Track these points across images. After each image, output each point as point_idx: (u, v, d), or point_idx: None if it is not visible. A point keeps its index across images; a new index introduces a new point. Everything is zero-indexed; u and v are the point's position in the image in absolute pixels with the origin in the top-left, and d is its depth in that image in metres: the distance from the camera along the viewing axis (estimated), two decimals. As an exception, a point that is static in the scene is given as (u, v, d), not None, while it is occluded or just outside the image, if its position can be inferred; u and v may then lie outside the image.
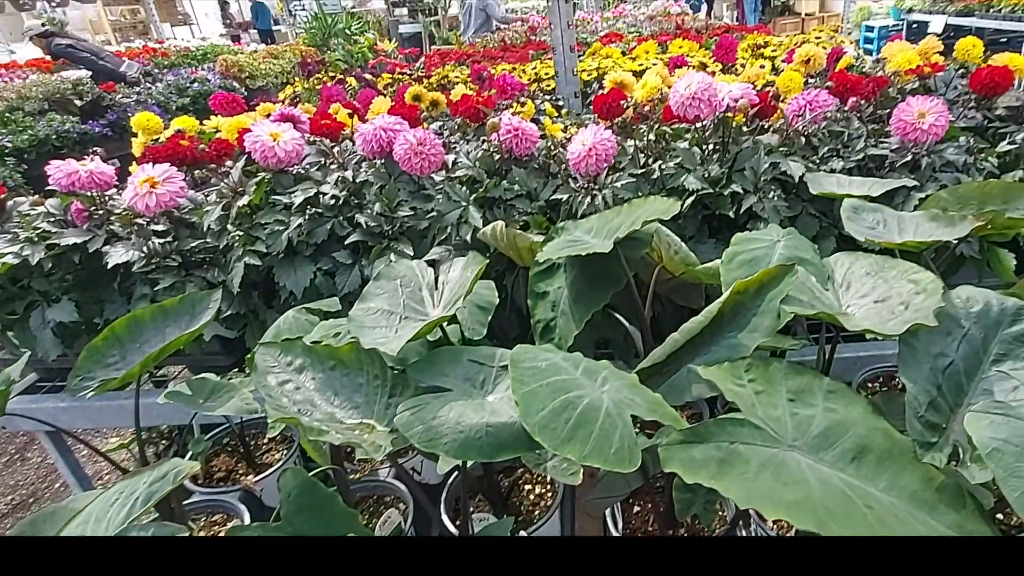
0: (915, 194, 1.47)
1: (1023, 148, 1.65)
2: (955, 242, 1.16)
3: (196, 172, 1.75)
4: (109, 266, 1.50)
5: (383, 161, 1.76)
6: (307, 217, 1.58)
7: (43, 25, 5.64)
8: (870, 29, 9.02)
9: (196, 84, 5.73)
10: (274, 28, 12.33)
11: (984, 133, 1.84)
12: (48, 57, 6.06)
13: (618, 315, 1.36)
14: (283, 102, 2.87)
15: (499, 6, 6.61)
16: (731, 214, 1.53)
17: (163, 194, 1.52)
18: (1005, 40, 7.44)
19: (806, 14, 11.78)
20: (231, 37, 11.35)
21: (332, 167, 1.78)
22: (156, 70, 6.19)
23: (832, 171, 1.58)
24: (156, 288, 1.49)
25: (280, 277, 1.52)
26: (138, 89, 5.42)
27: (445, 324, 1.22)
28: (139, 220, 1.58)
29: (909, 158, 1.58)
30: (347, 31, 5.65)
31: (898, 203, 1.48)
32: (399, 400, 0.99)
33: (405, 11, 11.02)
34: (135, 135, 2.12)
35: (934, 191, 1.42)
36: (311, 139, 1.90)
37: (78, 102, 4.70)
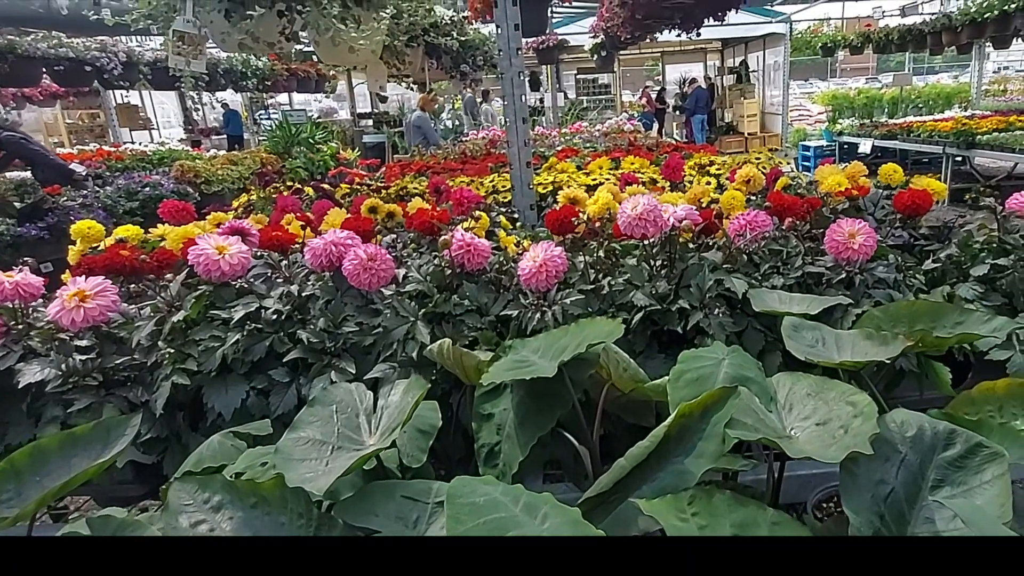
0: (852, 310, 1.52)
1: (947, 265, 1.74)
2: (888, 361, 1.18)
3: (132, 286, 1.69)
4: (20, 386, 1.40)
5: (331, 275, 1.73)
6: (246, 333, 1.52)
7: None
8: (807, 148, 9.93)
9: (147, 188, 5.56)
10: (245, 135, 12.65)
11: (911, 250, 1.94)
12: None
13: (567, 434, 1.32)
14: (236, 210, 2.87)
15: (423, 133, 6.89)
16: (679, 329, 1.53)
17: (92, 308, 1.45)
18: (927, 160, 8.14)
19: (749, 133, 12.77)
20: (191, 143, 11.48)
21: (278, 280, 1.74)
22: (107, 173, 6.10)
23: (773, 287, 1.62)
24: (70, 410, 1.38)
25: (209, 397, 1.43)
26: (84, 192, 5.26)
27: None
28: (62, 335, 1.50)
29: (844, 275, 1.64)
30: (310, 140, 5.80)
31: (836, 319, 1.52)
32: (324, 542, 0.90)
33: (370, 122, 11.51)
34: (74, 242, 2.06)
35: (869, 307, 1.47)
36: (258, 253, 1.87)
37: (18, 204, 4.54)
